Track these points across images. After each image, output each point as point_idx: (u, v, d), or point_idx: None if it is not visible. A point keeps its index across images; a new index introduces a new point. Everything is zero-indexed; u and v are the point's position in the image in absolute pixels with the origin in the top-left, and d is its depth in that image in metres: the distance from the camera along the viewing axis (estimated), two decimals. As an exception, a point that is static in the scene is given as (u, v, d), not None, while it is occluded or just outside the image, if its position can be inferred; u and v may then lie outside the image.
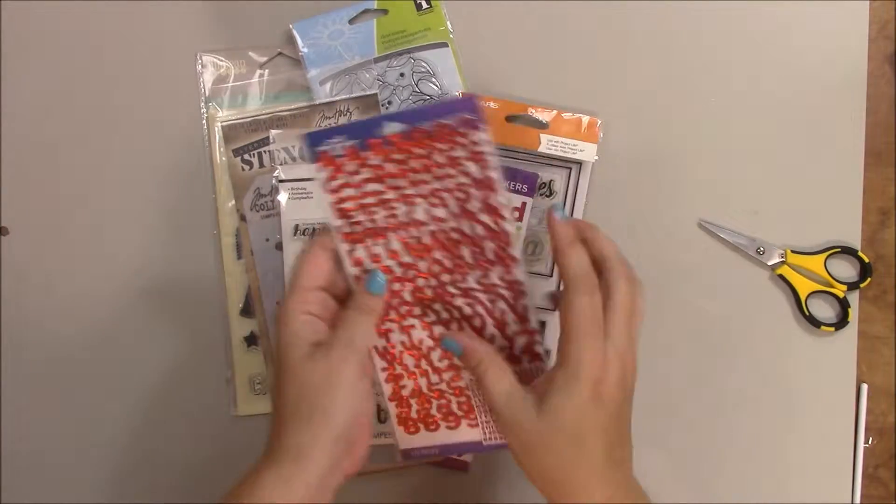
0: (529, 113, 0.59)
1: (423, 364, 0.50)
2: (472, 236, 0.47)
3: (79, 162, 0.59)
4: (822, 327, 0.58)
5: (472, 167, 0.46)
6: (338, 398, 0.43)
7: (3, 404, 0.59)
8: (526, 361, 0.49)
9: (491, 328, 0.48)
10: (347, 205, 0.47)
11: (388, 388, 0.50)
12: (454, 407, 0.50)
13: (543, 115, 0.59)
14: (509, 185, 0.58)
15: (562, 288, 0.45)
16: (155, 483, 0.58)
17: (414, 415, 0.51)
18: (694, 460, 0.58)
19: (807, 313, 0.58)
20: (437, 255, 0.48)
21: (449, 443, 0.51)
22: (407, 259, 0.48)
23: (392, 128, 0.45)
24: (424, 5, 0.60)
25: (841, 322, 0.58)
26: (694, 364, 0.58)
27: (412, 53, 0.59)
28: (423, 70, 0.59)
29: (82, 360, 0.59)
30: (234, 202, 0.58)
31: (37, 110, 0.60)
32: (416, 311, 0.48)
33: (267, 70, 0.59)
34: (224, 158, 0.58)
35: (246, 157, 0.57)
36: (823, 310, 0.59)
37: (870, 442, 0.59)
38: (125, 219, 0.59)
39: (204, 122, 0.59)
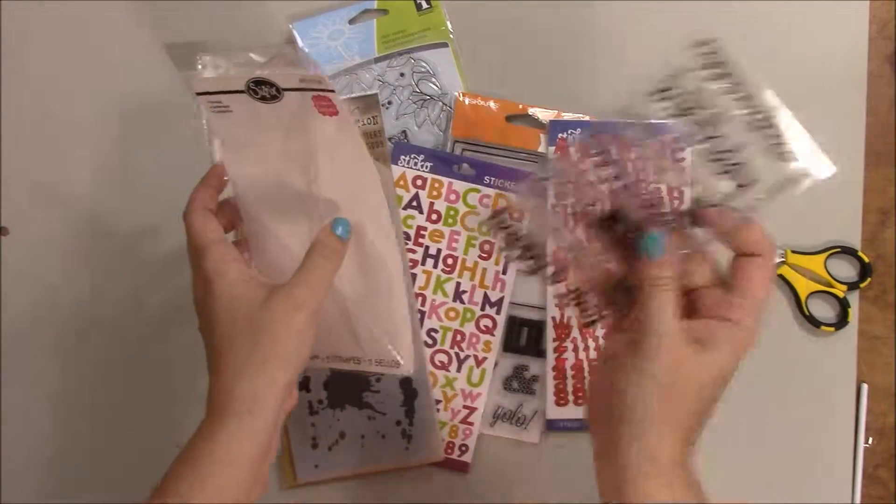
0: (529, 113, 0.59)
1: (590, 341, 0.56)
2: None
3: (79, 162, 0.59)
4: (822, 327, 0.58)
5: (672, 179, 0.51)
6: (293, 345, 0.42)
7: (4, 404, 0.59)
8: None
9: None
10: (564, 188, 0.51)
11: (552, 359, 0.57)
12: None
13: (543, 115, 0.59)
14: (510, 185, 0.58)
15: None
16: (155, 482, 0.58)
17: (569, 388, 0.57)
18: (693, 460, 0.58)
19: (807, 313, 0.58)
20: (620, 253, 0.50)
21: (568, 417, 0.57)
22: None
23: (620, 132, 0.50)
24: (424, 5, 0.60)
25: (841, 322, 0.58)
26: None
27: (412, 53, 0.59)
28: (423, 70, 0.59)
29: (82, 360, 0.59)
30: None
31: (37, 110, 0.60)
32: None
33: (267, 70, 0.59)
34: None
35: None
36: (823, 310, 0.59)
37: (870, 442, 0.59)
38: (125, 219, 0.59)
39: (204, 122, 0.59)
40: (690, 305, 0.43)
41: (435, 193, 0.58)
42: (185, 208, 0.46)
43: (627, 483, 0.39)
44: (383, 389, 0.56)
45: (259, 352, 0.42)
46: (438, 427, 0.56)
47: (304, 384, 0.57)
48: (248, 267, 0.46)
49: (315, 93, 0.46)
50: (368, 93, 0.58)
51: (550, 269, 0.47)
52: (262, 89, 0.46)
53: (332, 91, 0.45)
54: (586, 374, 0.57)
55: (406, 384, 0.56)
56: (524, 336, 0.58)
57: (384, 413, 0.56)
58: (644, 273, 0.43)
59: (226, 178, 0.48)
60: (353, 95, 0.58)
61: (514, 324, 0.58)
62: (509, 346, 0.58)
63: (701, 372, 0.41)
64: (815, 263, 0.58)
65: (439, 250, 0.57)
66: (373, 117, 0.57)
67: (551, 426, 0.57)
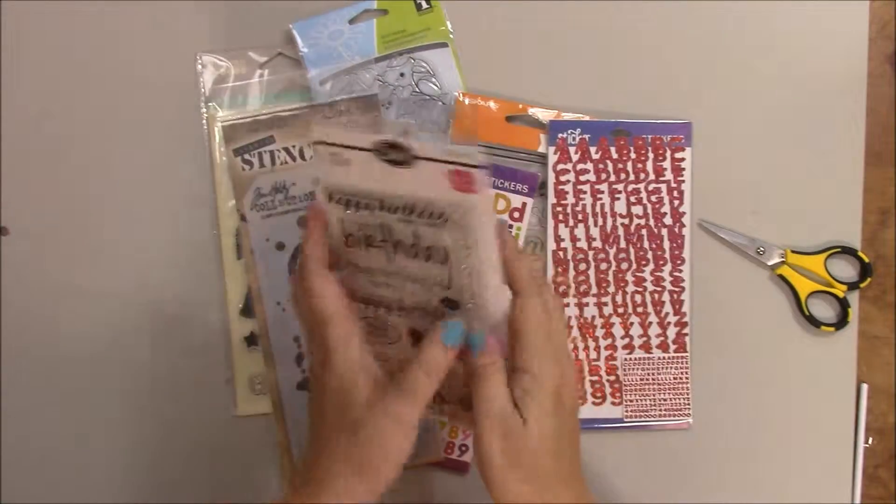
0: (529, 113, 0.59)
1: (590, 341, 0.57)
2: (658, 235, 0.58)
3: (79, 162, 0.59)
4: (822, 327, 0.58)
5: (671, 178, 0.58)
6: (395, 458, 0.41)
7: (3, 404, 0.59)
8: (672, 350, 0.58)
9: (652, 316, 0.57)
10: (564, 187, 0.58)
11: None
12: (605, 384, 0.58)
13: (543, 115, 0.59)
14: (509, 185, 0.58)
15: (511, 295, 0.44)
16: (155, 482, 0.58)
17: None
18: (693, 460, 0.58)
19: (807, 313, 0.58)
20: (624, 245, 0.58)
21: (592, 417, 0.58)
22: (598, 245, 0.58)
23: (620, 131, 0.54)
24: (424, 5, 0.60)
25: (841, 322, 0.58)
26: (693, 364, 0.58)
27: (412, 53, 0.59)
28: (423, 70, 0.59)
29: (82, 360, 0.58)
30: (234, 202, 0.58)
31: (37, 110, 0.60)
32: (594, 290, 0.58)
33: (267, 70, 0.59)
34: (224, 158, 0.58)
35: (246, 156, 0.57)
36: (823, 310, 0.59)
37: (870, 442, 0.59)
38: (125, 219, 0.59)
39: (204, 122, 0.59)
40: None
41: (435, 193, 0.57)
42: (303, 269, 0.44)
43: None
44: None
45: (357, 452, 0.41)
46: (439, 427, 0.56)
47: (305, 385, 0.57)
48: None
49: (457, 167, 0.43)
50: (368, 93, 0.58)
51: None
52: (393, 153, 0.44)
53: (485, 168, 0.42)
54: (587, 374, 0.57)
55: None
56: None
57: None
58: (473, 365, 0.43)
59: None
60: (354, 95, 0.58)
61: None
62: (508, 346, 0.58)
63: (530, 431, 0.41)
64: (815, 263, 0.58)
65: (439, 250, 0.57)
66: (373, 117, 0.57)
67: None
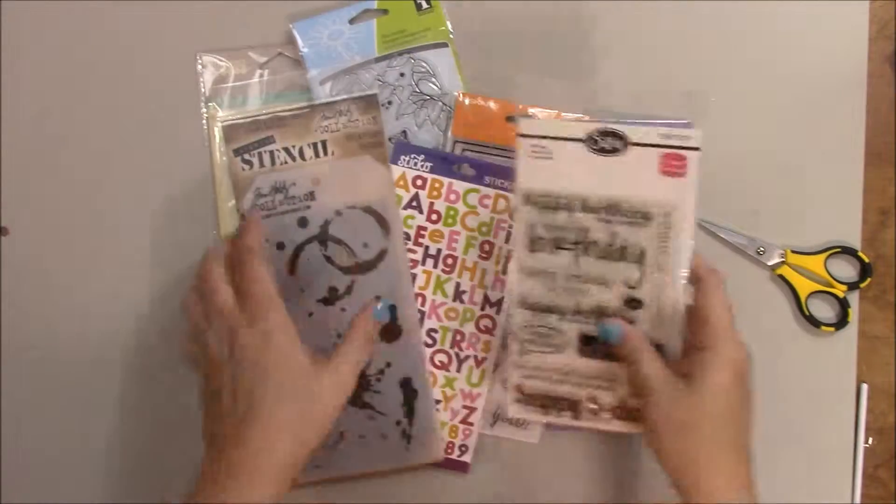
0: (529, 113, 0.59)
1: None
2: None
3: (79, 162, 0.59)
4: (822, 327, 0.58)
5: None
6: (331, 419, 0.47)
7: (3, 404, 0.59)
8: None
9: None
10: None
11: None
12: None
13: (543, 116, 0.58)
14: (510, 185, 0.58)
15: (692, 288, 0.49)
16: (155, 482, 0.58)
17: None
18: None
19: (807, 313, 0.58)
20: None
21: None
22: None
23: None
24: (424, 5, 0.60)
25: (841, 322, 0.58)
26: (694, 364, 0.58)
27: (412, 53, 0.59)
28: (423, 70, 0.59)
29: (82, 361, 0.59)
30: (234, 202, 0.58)
31: (37, 110, 0.60)
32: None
33: (267, 70, 0.59)
34: (224, 158, 0.58)
35: (246, 156, 0.57)
36: (823, 310, 0.59)
37: (870, 442, 0.59)
38: (125, 219, 0.59)
39: (204, 122, 0.59)
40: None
41: (435, 193, 0.58)
42: (248, 256, 0.48)
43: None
44: (384, 390, 0.56)
45: (297, 410, 0.45)
46: (439, 427, 0.57)
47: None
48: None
49: (670, 150, 0.47)
50: (368, 93, 0.58)
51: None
52: (606, 140, 0.48)
53: (697, 150, 0.47)
54: None
55: (406, 385, 0.56)
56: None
57: (384, 413, 0.56)
58: (618, 353, 0.49)
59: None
60: (353, 95, 0.58)
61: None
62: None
63: (698, 406, 0.46)
64: (815, 263, 0.58)
65: (439, 250, 0.57)
66: (373, 117, 0.57)
67: (551, 426, 0.57)
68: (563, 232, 0.49)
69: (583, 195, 0.48)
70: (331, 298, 0.56)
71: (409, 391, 0.56)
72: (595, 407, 0.51)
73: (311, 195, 0.57)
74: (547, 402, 0.52)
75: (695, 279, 0.49)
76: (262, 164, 0.57)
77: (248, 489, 0.44)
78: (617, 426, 0.51)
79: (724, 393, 0.45)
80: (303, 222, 0.56)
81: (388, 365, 0.56)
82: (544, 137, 0.48)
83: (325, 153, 0.57)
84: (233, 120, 0.58)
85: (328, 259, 0.56)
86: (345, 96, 0.58)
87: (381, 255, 0.56)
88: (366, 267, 0.56)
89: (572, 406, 0.52)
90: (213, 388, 0.46)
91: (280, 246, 0.56)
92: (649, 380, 0.47)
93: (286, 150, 0.57)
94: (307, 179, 0.57)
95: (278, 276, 0.56)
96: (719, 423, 0.45)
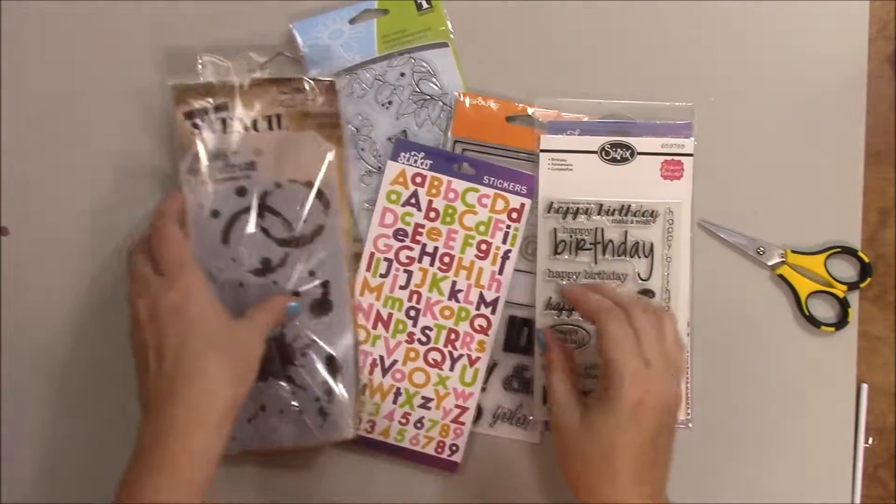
0: (529, 113, 0.59)
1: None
2: None
3: (79, 162, 0.59)
4: (822, 327, 0.58)
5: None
6: (254, 369, 0.49)
7: (3, 404, 0.59)
8: None
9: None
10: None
11: None
12: None
13: (543, 116, 0.59)
14: (508, 185, 0.58)
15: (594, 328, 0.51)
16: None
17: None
18: (693, 460, 0.58)
19: (807, 313, 0.58)
20: None
21: None
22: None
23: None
24: (424, 5, 0.60)
25: (841, 322, 0.58)
26: (693, 364, 0.58)
27: (412, 53, 0.59)
28: (423, 70, 0.59)
29: (82, 361, 0.59)
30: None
31: (37, 110, 0.60)
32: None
33: (267, 70, 0.59)
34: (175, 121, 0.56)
35: (197, 120, 0.55)
36: (823, 310, 0.59)
37: (870, 442, 0.59)
38: (125, 219, 0.59)
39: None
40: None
41: (434, 191, 0.58)
42: (162, 221, 0.51)
43: None
44: (307, 365, 0.55)
45: (228, 361, 0.47)
46: (357, 406, 0.56)
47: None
48: None
49: (669, 157, 0.57)
50: (327, 78, 0.57)
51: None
52: (617, 151, 0.57)
53: (691, 155, 0.57)
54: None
55: (330, 362, 0.55)
56: (525, 336, 0.58)
57: (304, 388, 0.55)
58: (544, 359, 0.54)
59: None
60: (311, 76, 0.57)
61: (514, 323, 0.58)
62: (510, 345, 0.58)
63: (591, 435, 0.47)
64: (815, 263, 0.58)
65: (436, 248, 0.57)
66: (331, 100, 0.57)
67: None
68: (582, 234, 0.56)
69: (598, 200, 0.56)
70: (263, 269, 0.55)
71: (332, 368, 0.55)
72: None
73: (251, 165, 0.55)
74: None
75: (592, 320, 0.50)
76: (212, 131, 0.55)
77: (190, 441, 0.45)
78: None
79: (608, 433, 0.46)
80: (241, 191, 0.55)
81: (314, 341, 0.55)
82: (563, 151, 0.57)
83: (280, 127, 0.56)
84: (184, 82, 0.56)
85: (264, 231, 0.55)
86: (302, 76, 0.57)
87: (319, 230, 0.56)
88: (301, 241, 0.55)
89: None
90: (143, 356, 0.48)
91: (215, 214, 0.55)
92: (550, 397, 0.51)
93: (239, 118, 0.56)
94: (249, 149, 0.55)
95: (211, 244, 0.55)
96: (604, 458, 0.46)
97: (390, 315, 0.57)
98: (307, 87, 0.56)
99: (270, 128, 0.56)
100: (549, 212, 0.57)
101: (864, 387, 0.58)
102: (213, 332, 0.48)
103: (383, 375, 0.57)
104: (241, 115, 0.56)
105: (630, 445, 0.46)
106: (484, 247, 0.57)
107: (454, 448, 0.57)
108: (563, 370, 0.52)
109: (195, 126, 0.55)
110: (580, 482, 0.48)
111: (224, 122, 0.55)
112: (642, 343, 0.47)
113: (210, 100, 0.55)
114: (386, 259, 0.58)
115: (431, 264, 0.57)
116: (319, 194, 0.56)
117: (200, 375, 0.46)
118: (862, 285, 0.58)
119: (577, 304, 0.53)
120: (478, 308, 0.57)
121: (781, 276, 0.58)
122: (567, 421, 0.49)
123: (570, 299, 0.54)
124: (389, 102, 0.59)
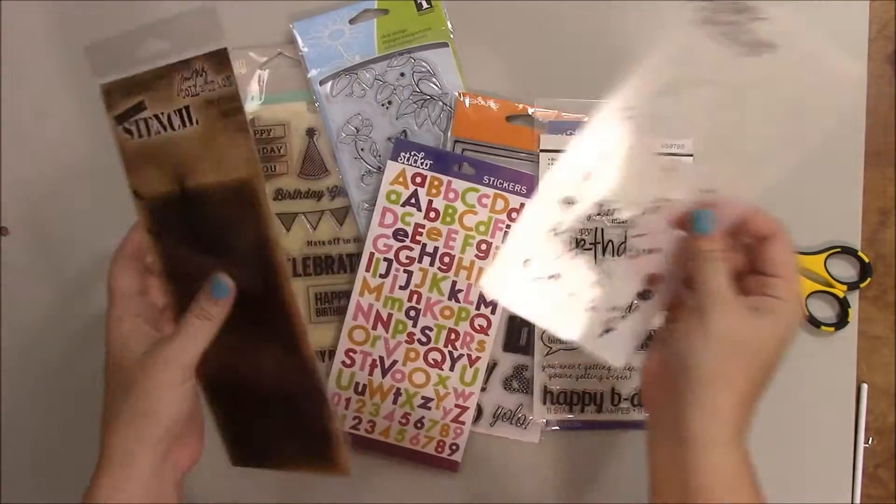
0: (529, 113, 0.59)
1: None
2: None
3: (79, 162, 0.59)
4: (822, 327, 0.58)
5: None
6: (164, 402, 0.44)
7: (4, 404, 0.59)
8: None
9: None
10: None
11: None
12: None
13: (543, 116, 0.59)
14: (508, 185, 0.58)
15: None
16: None
17: None
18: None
19: (807, 313, 0.58)
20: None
21: (595, 419, 0.58)
22: None
23: None
24: (424, 5, 0.60)
25: (841, 322, 0.58)
26: (694, 364, 0.58)
27: (412, 53, 0.59)
28: (423, 70, 0.59)
29: (82, 361, 0.59)
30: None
31: (37, 110, 0.60)
32: None
33: (267, 70, 0.59)
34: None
35: (126, 125, 0.50)
36: (823, 310, 0.59)
37: (870, 442, 0.59)
38: (125, 219, 0.59)
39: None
40: (738, 289, 0.45)
41: (434, 191, 0.58)
42: (114, 255, 0.50)
43: (689, 454, 0.41)
44: None
45: (128, 408, 0.43)
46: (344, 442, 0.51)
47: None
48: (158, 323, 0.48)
49: (668, 156, 0.54)
50: (217, 47, 0.48)
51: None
52: None
53: (691, 155, 0.56)
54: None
55: None
56: (525, 336, 0.58)
57: None
58: (696, 248, 0.45)
59: None
60: (203, 51, 0.48)
61: (514, 323, 0.58)
62: (510, 345, 0.58)
63: (758, 334, 0.43)
64: (815, 263, 0.58)
65: (436, 248, 0.57)
66: (226, 77, 0.48)
67: (551, 426, 0.57)
68: (582, 234, 0.53)
69: (599, 199, 0.53)
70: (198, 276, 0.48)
71: None
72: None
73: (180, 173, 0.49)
74: (572, 399, 0.57)
75: (770, 230, 0.47)
76: (140, 135, 0.50)
77: (118, 481, 0.43)
78: (636, 415, 0.57)
79: (773, 339, 0.43)
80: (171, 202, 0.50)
81: None
82: (563, 152, 0.53)
83: (191, 122, 0.48)
84: (111, 81, 0.49)
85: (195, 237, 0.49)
86: (195, 53, 0.48)
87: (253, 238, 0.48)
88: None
89: (595, 400, 0.57)
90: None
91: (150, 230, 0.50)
92: (712, 283, 0.43)
93: (157, 117, 0.49)
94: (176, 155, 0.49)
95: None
96: (758, 366, 0.43)
97: (390, 315, 0.57)
98: (202, 66, 0.48)
99: (184, 124, 0.48)
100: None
101: (865, 387, 0.58)
102: (122, 369, 0.45)
103: (383, 376, 0.57)
104: (158, 112, 0.49)
105: (777, 352, 0.44)
106: (484, 247, 0.57)
107: (454, 447, 0.57)
108: (726, 259, 0.45)
109: (127, 131, 0.50)
110: (710, 373, 0.42)
111: (146, 122, 0.49)
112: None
113: (132, 99, 0.49)
114: (386, 259, 0.58)
115: (431, 264, 0.57)
116: (247, 194, 0.48)
117: (115, 421, 0.44)
118: (862, 285, 0.58)
119: (746, 216, 0.48)
120: (478, 308, 0.57)
121: (781, 276, 0.58)
122: (738, 309, 0.43)
123: (726, 213, 0.48)
124: (389, 102, 0.59)
